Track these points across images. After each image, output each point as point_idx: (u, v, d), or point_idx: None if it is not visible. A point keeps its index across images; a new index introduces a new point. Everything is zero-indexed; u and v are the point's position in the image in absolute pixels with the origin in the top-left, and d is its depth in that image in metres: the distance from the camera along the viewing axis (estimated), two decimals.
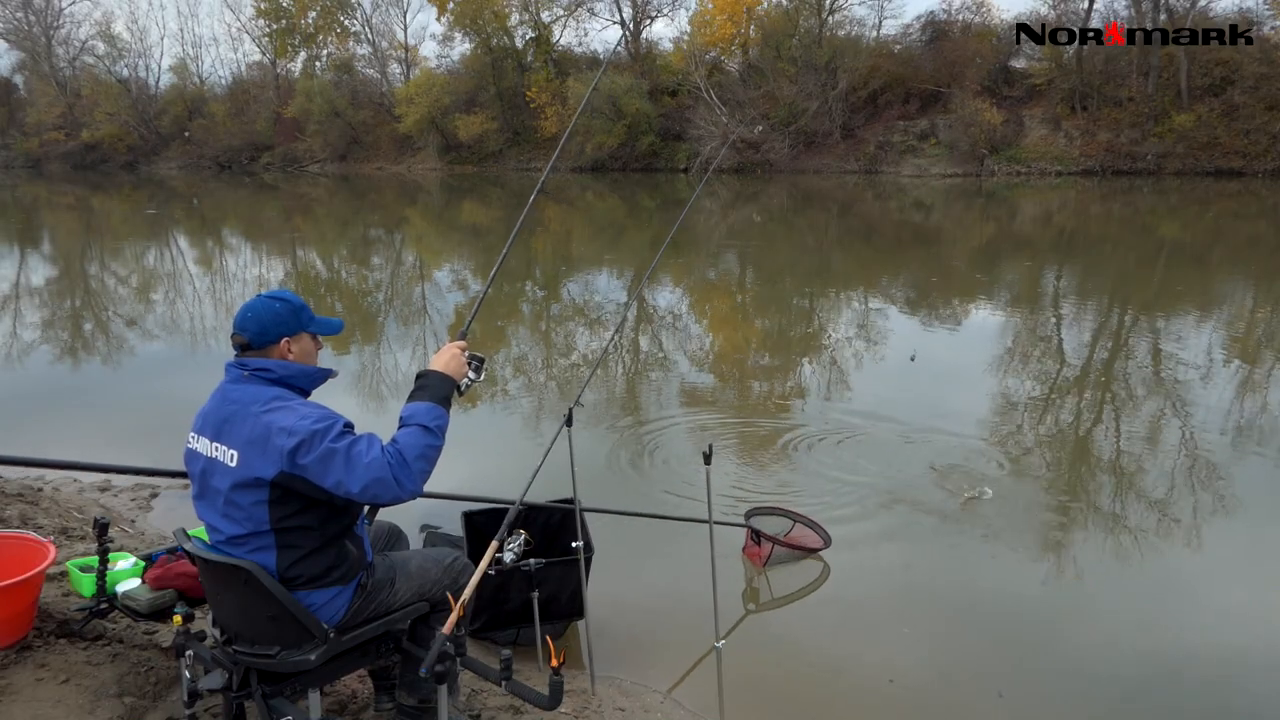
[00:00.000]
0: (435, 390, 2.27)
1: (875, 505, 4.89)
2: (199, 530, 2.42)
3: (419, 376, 2.32)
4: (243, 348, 2.28)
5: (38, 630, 2.86)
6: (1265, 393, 7.06)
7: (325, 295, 12.60)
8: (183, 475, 2.98)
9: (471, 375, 2.42)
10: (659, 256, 4.44)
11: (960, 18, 36.96)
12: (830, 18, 37.39)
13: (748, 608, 3.97)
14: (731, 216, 23.46)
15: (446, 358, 2.36)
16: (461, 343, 2.43)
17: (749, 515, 4.37)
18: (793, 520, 4.38)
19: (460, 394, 2.37)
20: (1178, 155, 30.07)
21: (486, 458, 5.62)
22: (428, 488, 3.32)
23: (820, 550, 4.25)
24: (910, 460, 5.52)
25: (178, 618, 2.31)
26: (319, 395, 2.35)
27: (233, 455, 2.15)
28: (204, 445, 2.23)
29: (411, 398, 2.27)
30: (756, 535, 4.20)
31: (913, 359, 5.39)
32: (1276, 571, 4.23)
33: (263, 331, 2.27)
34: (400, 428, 2.17)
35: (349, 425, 2.16)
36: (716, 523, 3.04)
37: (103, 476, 5.29)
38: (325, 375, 2.38)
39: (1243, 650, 3.57)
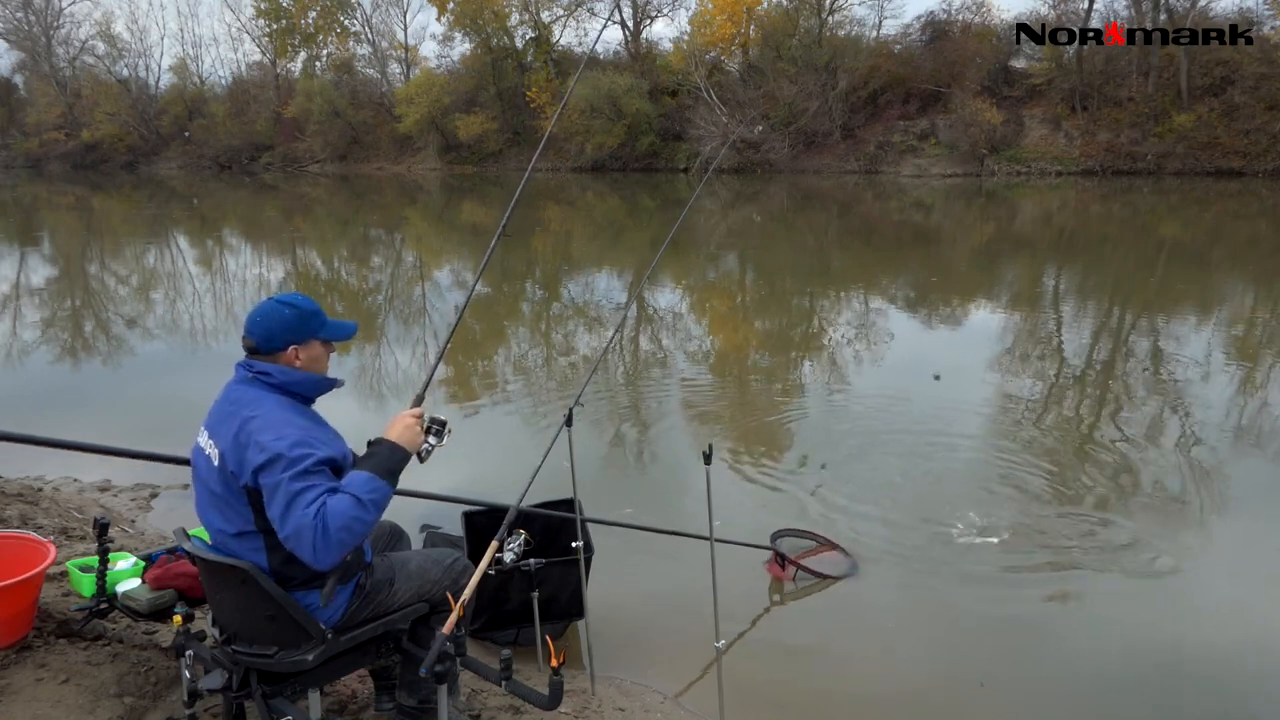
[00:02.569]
0: (379, 461, 2.17)
1: (874, 505, 4.89)
2: (199, 530, 2.43)
3: (369, 444, 2.25)
4: (251, 351, 2.27)
5: (38, 630, 2.86)
6: (1265, 392, 7.06)
7: (325, 295, 12.59)
8: (181, 461, 2.97)
9: (431, 440, 2.32)
10: (659, 256, 4.43)
11: (960, 18, 36.95)
12: (830, 18, 37.37)
13: (747, 609, 3.96)
14: (731, 216, 23.46)
15: (400, 428, 2.26)
16: (416, 410, 2.35)
17: (775, 537, 4.31)
18: (818, 542, 4.34)
19: (421, 461, 2.30)
20: (1178, 155, 30.05)
21: (487, 458, 5.62)
22: (429, 489, 3.34)
23: (846, 577, 4.17)
24: (910, 461, 5.52)
25: (178, 618, 2.32)
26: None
27: (218, 454, 2.17)
28: (204, 440, 2.24)
29: (357, 464, 2.19)
30: (781, 559, 4.14)
31: (937, 378, 5.17)
32: (1273, 571, 4.22)
33: (269, 338, 2.25)
34: (338, 493, 2.08)
35: (326, 461, 2.10)
36: (718, 540, 3.04)
37: (103, 476, 5.30)
38: (329, 385, 2.34)
39: (1240, 651, 3.58)
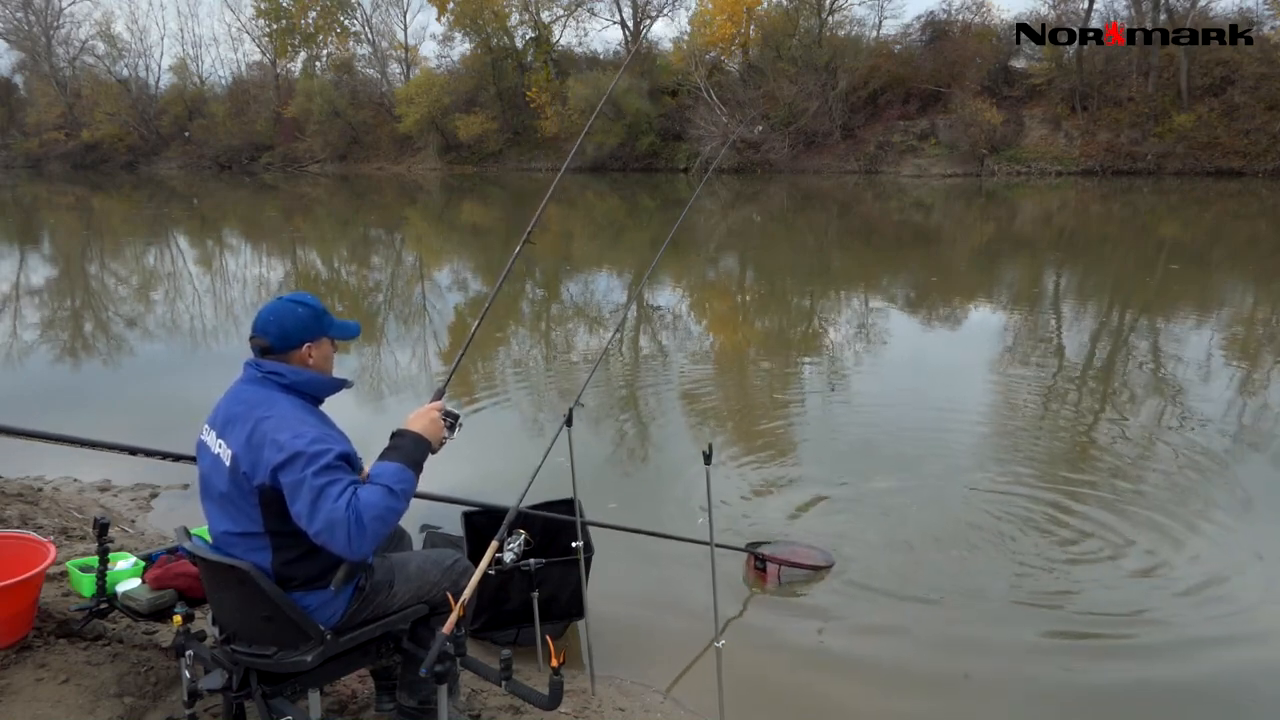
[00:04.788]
0: (407, 452, 2.20)
1: (874, 503, 4.89)
2: (201, 529, 2.43)
3: (393, 435, 2.27)
4: (263, 351, 2.26)
5: (38, 630, 2.86)
6: (1265, 392, 7.06)
7: (326, 295, 12.59)
8: (187, 459, 2.95)
9: (446, 434, 2.35)
10: (659, 256, 4.44)
11: (960, 18, 36.96)
12: (830, 18, 37.37)
13: (747, 608, 3.96)
14: (731, 216, 23.46)
15: (425, 421, 2.29)
16: (439, 403, 2.38)
17: (751, 548, 4.31)
18: (792, 543, 4.36)
19: (433, 452, 2.32)
20: (1178, 155, 30.04)
21: (487, 457, 5.61)
22: (429, 489, 3.34)
23: (825, 568, 4.20)
24: (906, 458, 5.51)
25: (178, 618, 2.32)
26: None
27: (230, 455, 2.16)
28: (211, 439, 2.24)
29: (383, 456, 2.21)
30: (761, 561, 4.14)
31: (832, 389, 5.23)
32: (1271, 570, 4.23)
33: (285, 336, 2.26)
34: (367, 484, 2.11)
35: (343, 456, 2.11)
36: (718, 545, 3.03)
37: (103, 476, 5.30)
38: (339, 385, 2.35)
39: (1237, 650, 3.58)
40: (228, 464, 2.17)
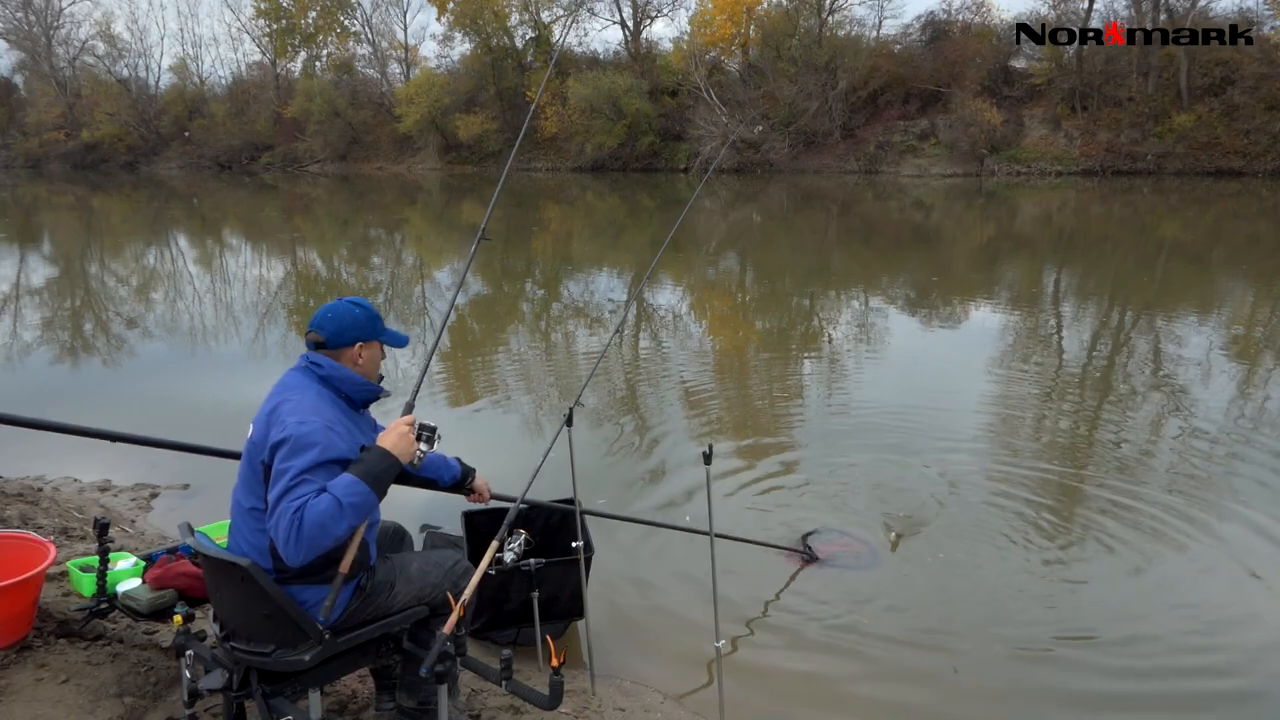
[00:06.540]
0: (368, 466, 2.17)
1: (873, 505, 4.89)
2: (204, 527, 2.44)
3: (362, 450, 2.26)
4: (317, 345, 2.35)
5: (38, 630, 2.86)
6: (1265, 391, 7.06)
7: (327, 296, 12.59)
8: (226, 454, 2.88)
9: (423, 448, 2.32)
10: (659, 256, 4.44)
11: (960, 18, 37.00)
12: (830, 18, 37.39)
13: (747, 609, 3.96)
14: (731, 216, 23.46)
15: (394, 436, 2.25)
16: (409, 417, 2.36)
17: (804, 537, 4.48)
18: (845, 534, 4.52)
19: (414, 468, 2.31)
20: (1178, 155, 30.06)
21: (487, 457, 5.57)
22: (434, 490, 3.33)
23: (863, 569, 4.27)
24: (908, 460, 5.51)
25: (178, 618, 2.32)
26: None
27: (251, 428, 2.26)
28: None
29: (348, 468, 2.19)
30: (809, 552, 4.29)
31: (897, 536, 4.59)
32: (1270, 569, 4.23)
33: (339, 333, 2.33)
34: (323, 493, 2.10)
35: (337, 460, 2.13)
36: (718, 535, 3.04)
37: (103, 476, 5.30)
38: (375, 392, 2.39)
39: (1235, 646, 3.58)
40: (250, 436, 2.26)
